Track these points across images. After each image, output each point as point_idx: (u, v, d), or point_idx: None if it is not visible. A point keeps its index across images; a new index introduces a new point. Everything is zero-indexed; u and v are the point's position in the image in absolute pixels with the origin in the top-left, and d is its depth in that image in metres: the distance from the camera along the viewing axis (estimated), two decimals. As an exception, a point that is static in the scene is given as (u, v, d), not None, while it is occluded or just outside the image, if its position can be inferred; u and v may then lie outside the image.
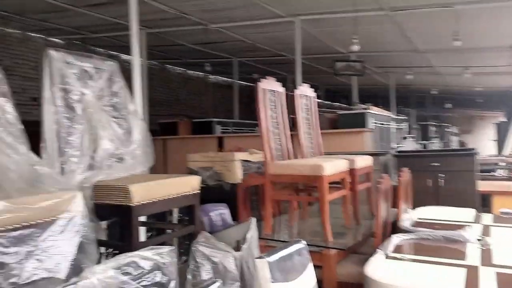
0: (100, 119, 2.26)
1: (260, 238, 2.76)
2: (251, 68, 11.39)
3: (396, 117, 9.89)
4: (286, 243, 1.77)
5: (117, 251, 2.16)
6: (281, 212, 3.61)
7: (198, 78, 13.22)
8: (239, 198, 3.30)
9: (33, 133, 1.90)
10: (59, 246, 1.49)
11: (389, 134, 7.83)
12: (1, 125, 1.72)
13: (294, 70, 7.64)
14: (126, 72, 2.83)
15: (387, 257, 2.21)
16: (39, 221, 1.46)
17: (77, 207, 1.61)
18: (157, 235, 2.95)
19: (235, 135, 8.18)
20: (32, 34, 8.36)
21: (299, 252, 1.71)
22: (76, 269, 1.52)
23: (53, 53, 2.12)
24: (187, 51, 9.95)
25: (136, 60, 3.96)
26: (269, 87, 3.14)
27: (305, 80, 7.62)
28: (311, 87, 3.76)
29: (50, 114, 2.06)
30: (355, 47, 6.63)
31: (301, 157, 3.34)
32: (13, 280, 1.35)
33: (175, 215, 3.43)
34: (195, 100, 13.02)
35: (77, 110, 2.16)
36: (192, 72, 12.86)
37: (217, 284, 1.24)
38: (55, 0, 6.36)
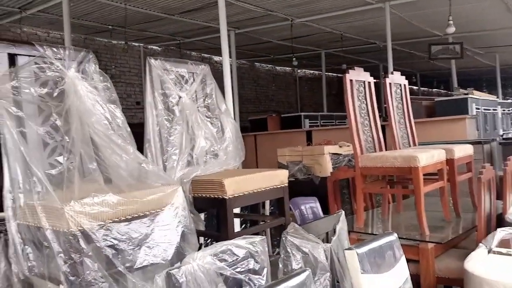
0: (196, 119, 2.44)
1: (352, 231, 2.76)
2: (339, 59, 11.18)
3: (503, 101, 9.00)
4: (377, 236, 1.76)
5: (214, 241, 2.33)
6: (374, 206, 3.54)
7: (285, 73, 13.34)
8: (330, 192, 3.31)
9: (138, 134, 2.13)
10: (165, 235, 1.66)
11: (495, 120, 7.16)
12: (112, 129, 1.95)
13: (386, 57, 7.33)
14: (217, 72, 3.01)
15: (491, 251, 2.07)
16: (147, 212, 1.65)
17: (179, 200, 1.77)
18: (250, 227, 3.09)
19: (323, 128, 8.13)
20: (134, 44, 9.15)
21: (390, 244, 1.69)
22: (179, 256, 1.69)
23: (153, 61, 2.34)
24: (274, 48, 10.09)
25: (227, 61, 4.15)
26: (357, 78, 3.09)
27: (398, 67, 7.29)
28: (405, 74, 3.60)
29: (153, 117, 2.28)
30: (451, 29, 6.16)
31: (394, 148, 3.23)
32: (128, 264, 1.54)
33: (267, 207, 3.56)
34: (283, 95, 13.17)
35: (175, 112, 2.36)
36: (280, 67, 13.01)
37: (307, 272, 1.29)
38: (152, 10, 6.89)
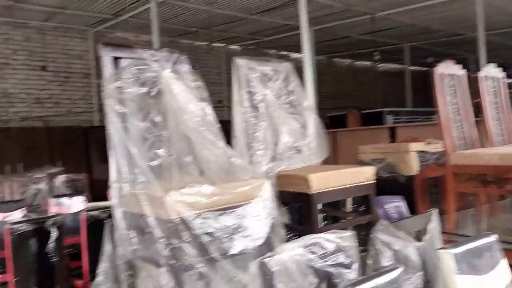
0: (280, 115, 2.49)
1: (443, 232, 2.63)
2: (424, 52, 10.62)
3: None
4: (474, 237, 1.67)
5: (297, 235, 2.36)
6: (467, 206, 3.33)
7: (366, 69, 12.95)
8: (417, 191, 3.18)
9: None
10: (255, 226, 1.72)
11: None
12: (204, 125, 2.06)
13: (477, 49, 6.82)
14: (296, 69, 3.03)
15: None
16: (238, 204, 1.73)
17: (267, 193, 1.83)
18: (333, 223, 3.07)
19: (408, 124, 7.77)
20: (215, 44, 9.50)
21: (489, 246, 1.59)
22: (268, 247, 1.74)
23: (239, 61, 2.43)
24: (354, 43, 9.86)
25: (307, 58, 4.17)
26: (447, 71, 2.93)
27: (491, 59, 6.76)
28: (501, 66, 3.34)
29: (239, 114, 2.37)
30: (557, 14, 5.56)
31: (489, 146, 3.02)
32: (221, 252, 1.63)
33: (349, 205, 3.50)
34: (364, 91, 12.80)
35: (260, 109, 2.43)
36: (360, 62, 12.67)
37: (400, 269, 1.27)
38: (232, 11, 7.11)
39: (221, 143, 2.04)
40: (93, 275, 3.21)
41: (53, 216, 3.03)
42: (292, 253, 1.37)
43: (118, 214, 1.89)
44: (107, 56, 1.99)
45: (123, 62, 2.03)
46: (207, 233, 1.60)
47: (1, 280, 3.10)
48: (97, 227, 3.22)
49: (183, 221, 1.57)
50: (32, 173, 6.34)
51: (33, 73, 7.84)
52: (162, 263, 1.60)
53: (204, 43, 9.06)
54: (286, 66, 2.72)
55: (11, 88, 7.63)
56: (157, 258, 1.63)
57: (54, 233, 2.96)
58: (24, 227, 2.86)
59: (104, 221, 3.25)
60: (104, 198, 5.69)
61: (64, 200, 4.42)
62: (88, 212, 3.24)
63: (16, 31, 7.59)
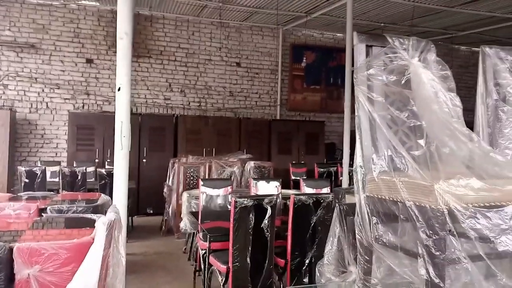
0: (533, 112, 2.20)
1: None
2: None
3: None
4: None
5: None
6: None
7: None
8: None
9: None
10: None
11: None
12: (454, 116, 1.95)
13: None
14: None
15: None
16: (504, 203, 1.58)
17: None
18: None
19: None
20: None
21: None
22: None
23: (488, 50, 2.23)
24: None
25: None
26: None
27: None
28: None
29: (483, 107, 2.18)
30: None
31: None
32: (487, 251, 1.51)
33: None
34: None
35: (510, 103, 2.19)
36: None
37: None
38: (433, 4, 6.67)
39: (475, 136, 1.90)
40: (292, 256, 3.41)
41: (269, 195, 3.31)
42: None
43: (361, 198, 1.93)
44: (360, 44, 2.04)
45: (375, 50, 2.06)
46: (473, 229, 1.51)
47: (223, 247, 3.53)
48: (299, 210, 3.41)
49: (450, 212, 1.51)
50: (226, 157, 7.12)
51: (229, 68, 8.73)
52: (420, 252, 1.57)
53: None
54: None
55: (211, 82, 8.64)
56: (412, 247, 1.61)
57: (269, 211, 3.23)
58: (246, 202, 3.20)
59: (309, 206, 3.43)
60: (285, 185, 5.84)
61: (263, 183, 4.82)
62: (297, 196, 3.45)
63: (219, 30, 8.55)
